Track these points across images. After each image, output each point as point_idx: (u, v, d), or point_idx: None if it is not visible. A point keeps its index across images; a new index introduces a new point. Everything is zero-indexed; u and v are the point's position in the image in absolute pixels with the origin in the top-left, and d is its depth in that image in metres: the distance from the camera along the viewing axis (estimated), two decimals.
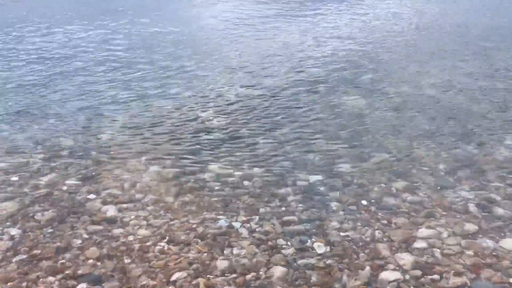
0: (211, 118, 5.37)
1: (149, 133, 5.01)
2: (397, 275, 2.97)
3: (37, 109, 5.60)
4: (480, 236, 3.36)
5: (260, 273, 3.00)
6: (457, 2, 12.03)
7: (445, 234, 3.37)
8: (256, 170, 4.25)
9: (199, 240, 3.32)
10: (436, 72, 6.77)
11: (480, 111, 5.49)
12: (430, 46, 8.11)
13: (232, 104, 5.75)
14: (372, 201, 3.78)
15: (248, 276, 2.97)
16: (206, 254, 3.18)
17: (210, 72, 6.93)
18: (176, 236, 3.37)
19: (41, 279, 2.96)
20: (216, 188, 3.98)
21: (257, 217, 3.58)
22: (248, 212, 3.64)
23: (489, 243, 3.27)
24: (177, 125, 5.18)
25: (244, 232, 3.41)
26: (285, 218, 3.56)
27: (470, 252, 3.18)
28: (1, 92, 6.15)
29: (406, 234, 3.37)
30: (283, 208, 3.69)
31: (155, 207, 3.72)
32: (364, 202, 3.77)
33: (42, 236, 3.38)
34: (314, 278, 2.95)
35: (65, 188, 4.00)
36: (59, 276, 2.99)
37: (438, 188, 3.96)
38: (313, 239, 3.32)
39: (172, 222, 3.53)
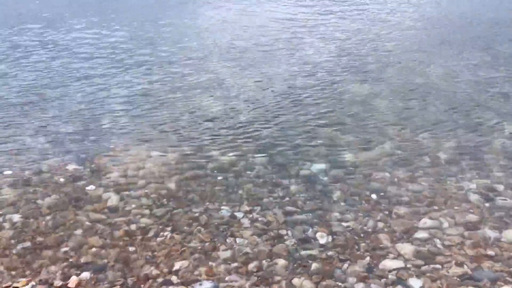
0: (213, 106, 5.35)
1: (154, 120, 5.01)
2: (399, 263, 2.98)
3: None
4: (482, 226, 3.36)
5: (263, 262, 3.01)
6: None
7: (446, 224, 3.37)
8: (259, 159, 4.25)
9: (202, 229, 3.33)
10: (440, 62, 6.71)
11: (483, 100, 5.45)
12: (435, 38, 8.03)
13: (234, 94, 5.73)
14: (375, 190, 3.78)
15: (251, 266, 2.99)
16: (208, 243, 3.19)
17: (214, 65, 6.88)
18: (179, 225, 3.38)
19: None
20: (219, 177, 3.99)
21: (259, 207, 3.58)
22: (250, 202, 3.65)
23: (491, 233, 3.27)
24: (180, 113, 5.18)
25: (246, 222, 3.42)
26: (288, 208, 3.57)
27: (472, 243, 3.19)
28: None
29: (408, 224, 3.38)
30: (286, 198, 3.69)
31: (158, 195, 3.73)
32: (366, 192, 3.77)
33: (44, 223, 3.40)
34: (315, 267, 2.96)
35: (68, 175, 4.01)
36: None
37: (441, 177, 3.96)
38: (315, 229, 3.32)
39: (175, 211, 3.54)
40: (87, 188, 3.83)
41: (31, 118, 5.06)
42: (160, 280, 2.88)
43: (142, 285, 2.85)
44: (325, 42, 7.61)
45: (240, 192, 3.78)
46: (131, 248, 3.15)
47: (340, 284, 2.83)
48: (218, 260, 3.04)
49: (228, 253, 3.10)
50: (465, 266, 2.98)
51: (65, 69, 6.51)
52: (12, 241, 3.22)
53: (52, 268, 2.99)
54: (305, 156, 4.29)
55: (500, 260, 3.03)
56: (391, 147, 4.46)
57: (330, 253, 3.09)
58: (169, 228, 3.35)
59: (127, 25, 8.71)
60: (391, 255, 3.07)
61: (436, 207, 3.57)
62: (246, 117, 5.06)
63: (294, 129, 4.80)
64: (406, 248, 3.12)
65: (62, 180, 3.94)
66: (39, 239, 3.24)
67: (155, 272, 2.94)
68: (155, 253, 3.11)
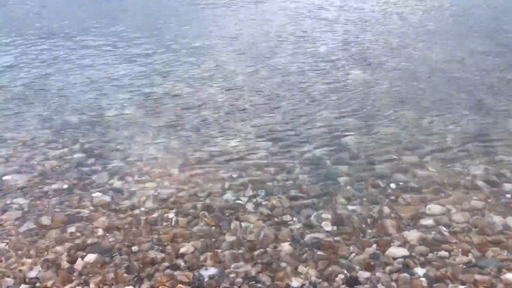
0: (216, 93, 5.31)
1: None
2: (403, 251, 2.97)
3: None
4: (488, 212, 3.32)
5: (268, 248, 3.00)
6: None
7: (453, 210, 3.34)
8: (263, 143, 4.22)
9: (207, 213, 3.33)
10: (445, 49, 6.65)
11: (492, 85, 5.37)
12: (439, 26, 7.93)
13: (238, 80, 5.69)
14: (381, 175, 3.75)
15: (256, 251, 2.98)
16: (214, 227, 3.19)
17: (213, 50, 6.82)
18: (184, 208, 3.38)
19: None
20: (223, 161, 3.97)
21: (264, 191, 3.56)
22: (255, 186, 3.62)
23: (497, 219, 3.24)
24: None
25: (250, 207, 3.40)
26: (293, 193, 3.55)
27: (477, 229, 3.16)
28: None
29: (414, 211, 3.35)
30: (291, 182, 3.67)
31: (162, 179, 3.72)
32: (372, 177, 3.74)
33: (50, 206, 3.41)
34: (320, 253, 2.95)
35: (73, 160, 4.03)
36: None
37: (448, 162, 3.91)
38: (320, 213, 3.31)
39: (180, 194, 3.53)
40: (92, 174, 3.84)
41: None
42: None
43: (148, 268, 2.85)
44: (332, 31, 7.51)
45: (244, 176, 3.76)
46: (136, 232, 3.15)
47: (345, 271, 2.82)
48: (224, 244, 3.03)
49: (233, 238, 3.09)
50: (469, 254, 2.95)
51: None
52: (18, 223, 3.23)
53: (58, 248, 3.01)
54: (311, 140, 4.25)
55: (506, 248, 3.00)
56: (398, 131, 4.40)
57: (336, 238, 3.08)
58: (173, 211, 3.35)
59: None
60: (397, 242, 3.05)
61: (443, 194, 3.54)
62: (249, 104, 5.03)
63: (297, 113, 4.76)
64: (412, 235, 3.10)
65: (67, 166, 3.96)
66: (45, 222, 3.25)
67: (160, 255, 2.93)
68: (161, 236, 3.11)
